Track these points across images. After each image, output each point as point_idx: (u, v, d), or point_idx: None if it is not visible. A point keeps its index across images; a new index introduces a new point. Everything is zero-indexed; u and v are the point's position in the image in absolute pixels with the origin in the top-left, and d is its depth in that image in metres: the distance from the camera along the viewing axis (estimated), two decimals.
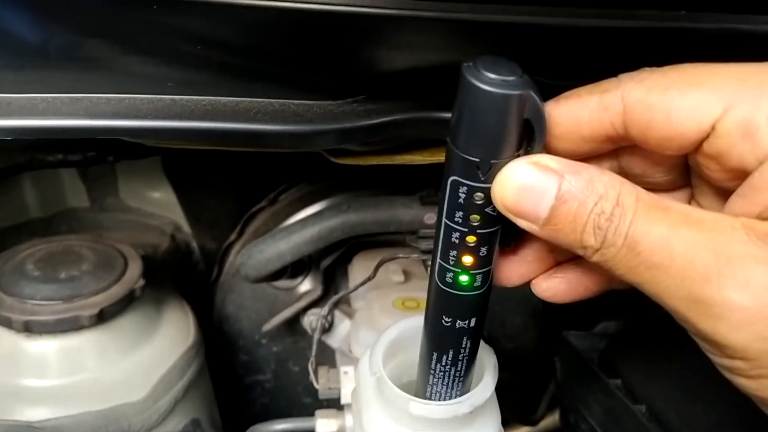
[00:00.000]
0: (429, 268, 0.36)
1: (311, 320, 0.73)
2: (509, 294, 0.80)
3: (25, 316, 0.59)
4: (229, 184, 0.86)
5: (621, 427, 0.56)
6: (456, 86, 0.29)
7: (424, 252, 0.65)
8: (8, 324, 0.59)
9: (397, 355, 0.47)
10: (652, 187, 0.30)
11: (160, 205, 0.87)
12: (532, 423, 0.84)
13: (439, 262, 0.34)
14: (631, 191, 0.28)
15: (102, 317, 0.61)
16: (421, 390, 0.41)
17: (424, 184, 0.67)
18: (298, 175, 0.81)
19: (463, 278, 0.33)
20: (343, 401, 0.61)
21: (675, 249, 0.27)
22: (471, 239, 0.32)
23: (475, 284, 0.34)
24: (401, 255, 0.59)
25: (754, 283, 0.26)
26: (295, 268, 0.73)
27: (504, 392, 0.84)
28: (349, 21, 0.37)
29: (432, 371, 0.39)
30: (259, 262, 0.64)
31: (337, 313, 0.72)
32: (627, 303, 0.64)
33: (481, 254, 0.33)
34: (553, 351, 0.71)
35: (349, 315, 0.72)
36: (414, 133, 0.46)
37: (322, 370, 0.62)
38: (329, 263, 0.74)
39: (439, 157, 0.50)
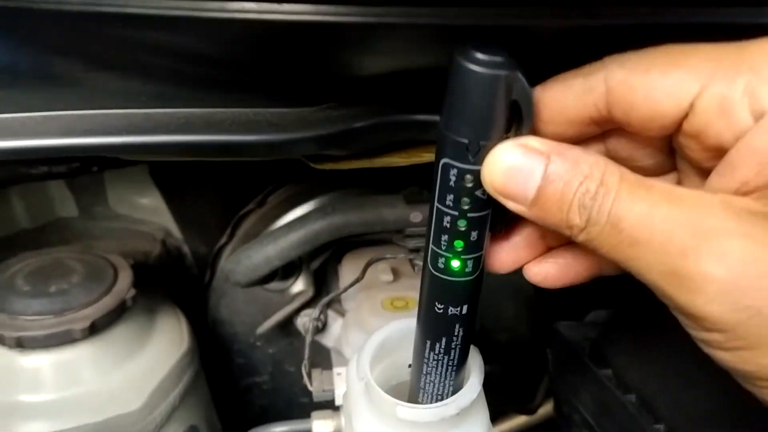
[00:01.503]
0: (422, 257, 0.36)
1: (304, 321, 0.73)
2: (502, 285, 0.80)
3: (17, 332, 0.59)
4: (217, 187, 0.86)
5: (612, 418, 0.56)
6: (444, 78, 0.30)
7: (412, 251, 0.65)
8: (1, 341, 0.60)
9: (385, 358, 0.47)
10: (639, 172, 0.31)
11: (149, 211, 0.87)
12: (530, 412, 0.84)
13: (432, 248, 0.34)
14: (614, 171, 0.29)
15: (94, 329, 0.61)
16: (416, 381, 0.42)
17: (409, 181, 0.67)
18: (286, 176, 0.81)
19: (455, 263, 0.34)
20: (337, 403, 0.61)
21: (655, 225, 0.28)
22: (462, 223, 0.33)
23: (467, 270, 0.34)
24: (388, 255, 0.59)
25: (729, 256, 0.27)
26: (286, 270, 0.73)
27: (500, 383, 0.84)
28: (318, 30, 0.37)
29: (426, 360, 0.40)
30: (247, 268, 0.65)
31: (330, 313, 0.73)
32: (618, 292, 0.64)
33: (472, 239, 0.33)
34: (547, 341, 0.71)
35: (342, 314, 0.72)
36: (391, 136, 0.46)
37: (316, 373, 0.62)
38: (319, 264, 0.74)
39: (418, 158, 0.50)
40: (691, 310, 0.29)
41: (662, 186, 0.30)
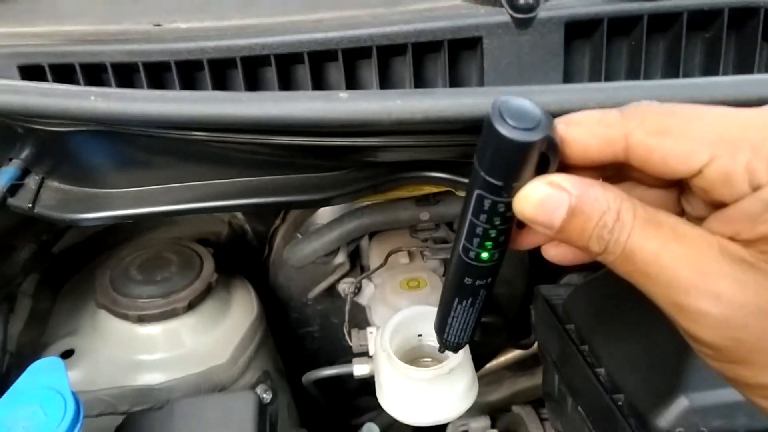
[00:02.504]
0: (453, 242, 0.41)
1: (344, 287, 0.94)
2: None
3: (137, 311, 0.81)
4: None
5: (569, 363, 0.75)
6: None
7: (423, 241, 0.85)
8: (126, 318, 0.82)
9: (400, 333, 0.69)
10: (650, 194, 0.37)
11: None
12: (525, 347, 1.05)
13: (464, 243, 0.38)
14: (629, 208, 0.33)
15: (191, 306, 0.83)
16: (441, 328, 0.49)
17: None
18: None
19: (484, 255, 0.38)
20: (371, 353, 0.82)
21: (663, 263, 0.32)
22: (492, 233, 0.37)
23: (494, 258, 0.39)
24: (404, 248, 0.79)
25: (722, 297, 0.32)
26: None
27: (500, 327, 1.04)
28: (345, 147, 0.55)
29: (453, 311, 0.45)
30: (299, 258, 0.85)
31: (364, 281, 0.94)
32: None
33: (500, 240, 0.38)
34: (530, 299, 0.91)
35: (371, 280, 0.93)
36: (398, 184, 0.65)
37: (354, 332, 0.84)
38: (354, 245, 0.95)
39: (419, 191, 0.69)
40: (690, 333, 0.34)
41: (670, 222, 0.33)
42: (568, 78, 0.47)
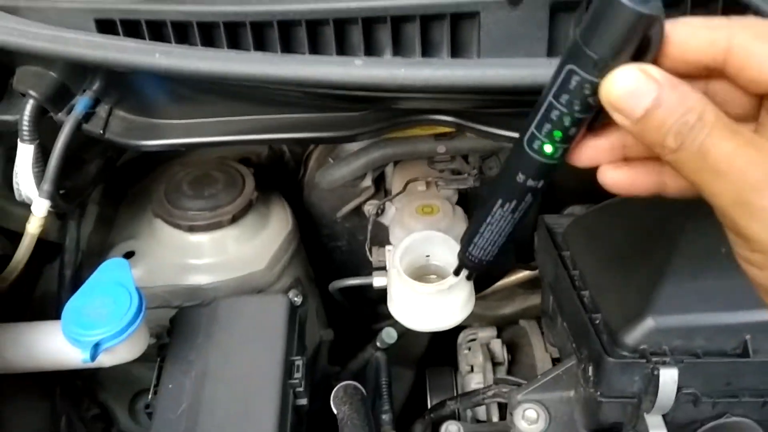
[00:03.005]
0: (520, 133, 0.40)
1: (369, 209, 1.05)
2: None
3: (189, 222, 0.93)
4: None
5: (561, 286, 0.81)
6: None
7: (440, 171, 0.95)
8: (178, 227, 0.94)
9: (410, 254, 0.80)
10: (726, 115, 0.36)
11: None
12: (533, 268, 1.15)
13: (533, 130, 0.38)
14: (712, 110, 0.33)
15: (234, 219, 0.94)
16: (470, 237, 0.50)
17: None
18: None
19: (548, 148, 0.38)
20: (388, 268, 0.93)
21: (736, 162, 0.33)
22: (567, 120, 0.36)
23: (555, 155, 0.39)
24: (421, 178, 0.89)
25: None
26: None
27: (508, 249, 1.13)
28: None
29: (491, 215, 0.45)
30: (329, 181, 0.96)
31: (387, 203, 1.04)
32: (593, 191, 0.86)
33: (570, 133, 0.37)
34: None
35: (393, 203, 1.03)
36: (414, 124, 0.74)
37: (375, 249, 0.95)
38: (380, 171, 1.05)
39: (432, 131, 0.78)
40: (746, 231, 0.34)
41: (748, 133, 0.34)
42: (551, 48, 0.55)
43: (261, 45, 0.58)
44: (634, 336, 0.67)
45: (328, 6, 0.55)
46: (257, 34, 0.58)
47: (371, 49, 0.58)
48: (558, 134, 0.37)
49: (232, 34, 0.59)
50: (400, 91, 0.53)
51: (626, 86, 0.34)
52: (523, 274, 1.20)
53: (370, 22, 0.56)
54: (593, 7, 0.33)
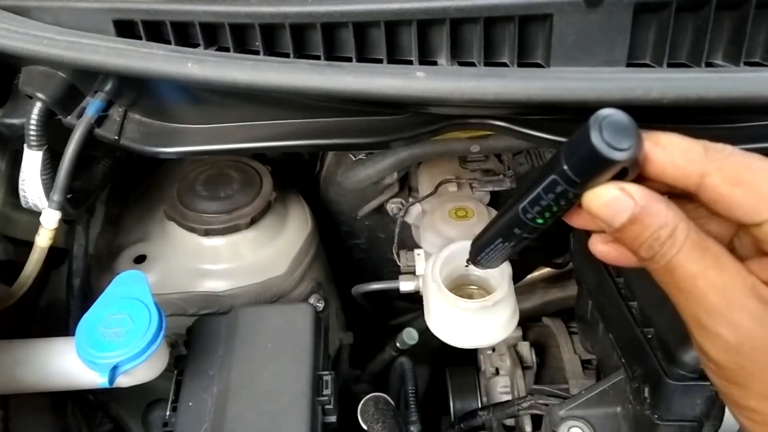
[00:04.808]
0: (513, 199, 0.43)
1: (392, 207, 0.99)
2: None
3: (204, 225, 0.87)
4: None
5: (604, 293, 0.79)
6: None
7: (472, 171, 0.89)
8: (193, 230, 0.88)
9: (449, 265, 0.75)
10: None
11: None
12: (559, 267, 1.11)
13: (525, 205, 0.41)
14: (683, 229, 0.37)
15: (252, 222, 0.89)
16: (478, 250, 0.53)
17: None
18: None
19: (539, 220, 0.42)
20: (417, 273, 0.88)
21: (698, 283, 0.36)
22: (555, 208, 0.40)
23: (547, 223, 0.42)
24: (453, 179, 0.84)
25: (739, 327, 0.36)
26: None
27: (538, 248, 1.09)
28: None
29: (493, 246, 0.50)
30: (354, 182, 0.90)
31: (411, 200, 0.99)
32: None
33: (558, 214, 0.41)
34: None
35: (418, 201, 0.98)
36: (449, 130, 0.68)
37: (402, 253, 0.90)
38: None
39: (472, 134, 0.72)
40: (702, 348, 0.38)
41: (716, 251, 0.37)
42: (632, 54, 0.49)
43: (301, 49, 0.52)
44: (693, 354, 0.63)
45: (380, 7, 0.49)
46: (297, 37, 0.52)
47: (424, 53, 0.52)
48: (547, 214, 0.41)
49: (269, 37, 0.52)
50: (465, 106, 0.47)
51: (605, 202, 0.37)
52: (547, 270, 1.16)
53: (425, 24, 0.50)
54: (576, 137, 0.36)
